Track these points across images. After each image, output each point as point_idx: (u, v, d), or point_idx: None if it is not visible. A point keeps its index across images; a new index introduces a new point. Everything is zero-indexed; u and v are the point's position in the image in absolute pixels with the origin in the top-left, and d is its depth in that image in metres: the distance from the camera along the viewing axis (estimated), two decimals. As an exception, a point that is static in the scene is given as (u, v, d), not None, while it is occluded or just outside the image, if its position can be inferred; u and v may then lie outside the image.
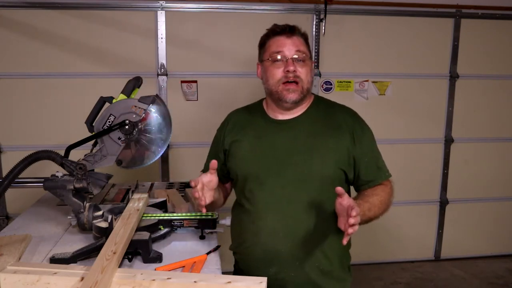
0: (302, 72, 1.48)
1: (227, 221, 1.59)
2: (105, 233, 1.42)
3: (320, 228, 1.47)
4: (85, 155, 1.60)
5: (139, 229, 1.46)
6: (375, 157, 1.55)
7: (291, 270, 1.48)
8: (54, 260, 1.33)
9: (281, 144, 1.51)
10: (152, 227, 1.50)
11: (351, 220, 1.19)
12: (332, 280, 1.52)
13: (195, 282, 1.10)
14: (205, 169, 1.68)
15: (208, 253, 1.42)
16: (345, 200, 1.26)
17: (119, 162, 1.60)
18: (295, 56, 1.48)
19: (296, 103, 1.51)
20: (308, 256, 1.47)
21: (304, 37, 1.54)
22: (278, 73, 1.48)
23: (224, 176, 1.66)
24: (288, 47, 1.48)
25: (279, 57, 1.48)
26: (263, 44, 1.56)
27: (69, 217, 1.56)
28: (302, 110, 1.56)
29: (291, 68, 1.46)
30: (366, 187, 1.53)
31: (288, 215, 1.46)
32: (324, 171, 1.47)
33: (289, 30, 1.50)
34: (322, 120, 1.54)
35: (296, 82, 1.48)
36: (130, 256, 1.32)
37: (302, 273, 1.48)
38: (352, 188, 1.61)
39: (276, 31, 1.52)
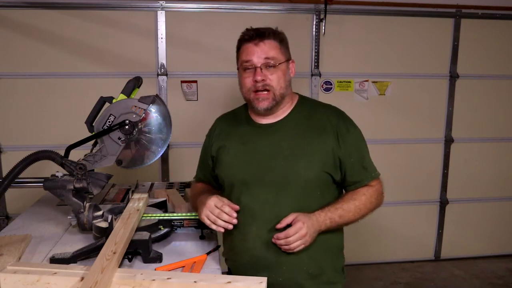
0: (273, 78, 1.45)
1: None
2: (105, 233, 1.42)
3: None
4: (85, 155, 1.60)
5: (139, 229, 1.46)
6: (361, 157, 1.51)
7: (279, 275, 1.46)
8: (54, 260, 1.33)
9: (265, 149, 1.49)
10: (152, 227, 1.50)
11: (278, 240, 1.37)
12: (322, 284, 1.50)
13: (195, 282, 1.10)
14: (197, 178, 1.73)
15: (208, 253, 1.42)
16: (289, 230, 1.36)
17: (119, 162, 1.60)
18: (265, 63, 1.45)
19: (270, 110, 1.49)
20: (295, 261, 1.44)
21: (279, 38, 1.49)
22: (248, 82, 1.47)
23: (216, 182, 1.65)
24: (257, 55, 1.45)
25: (249, 66, 1.47)
26: (237, 50, 1.54)
27: (69, 217, 1.56)
28: (286, 112, 1.54)
29: (258, 78, 1.44)
30: (352, 188, 1.50)
31: (273, 221, 1.42)
32: (308, 174, 1.44)
33: (258, 36, 1.46)
34: (306, 121, 1.52)
35: (267, 90, 1.46)
36: (130, 256, 1.32)
37: (290, 277, 1.46)
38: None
39: (245, 38, 1.49)
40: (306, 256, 1.45)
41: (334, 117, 1.51)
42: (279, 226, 1.38)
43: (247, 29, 1.50)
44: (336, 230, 1.49)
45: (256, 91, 1.46)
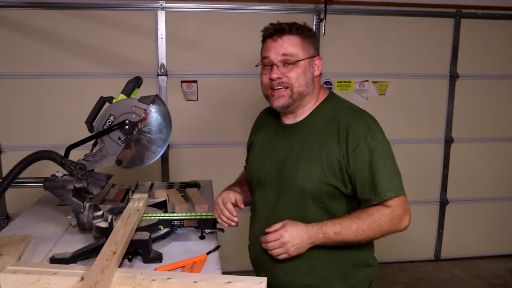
0: (291, 76, 1.40)
1: (227, 221, 1.59)
2: (105, 233, 1.42)
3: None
4: (85, 155, 1.60)
5: (139, 229, 1.46)
6: (372, 174, 1.33)
7: (275, 278, 1.45)
8: (54, 260, 1.33)
9: (280, 152, 1.48)
10: (152, 227, 1.50)
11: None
12: None
13: (195, 282, 1.10)
14: (245, 166, 1.75)
15: (208, 253, 1.42)
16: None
17: (119, 162, 1.60)
18: (283, 60, 1.40)
19: (287, 108, 1.44)
20: (291, 268, 1.42)
21: (302, 34, 1.42)
22: (265, 79, 1.44)
23: None
24: (275, 51, 1.40)
25: (266, 62, 1.43)
26: (262, 45, 1.50)
27: (69, 217, 1.56)
28: (306, 113, 1.47)
29: (274, 75, 1.40)
30: (363, 205, 1.37)
31: (271, 224, 1.39)
32: (306, 184, 1.38)
33: (277, 31, 1.41)
34: (321, 127, 1.42)
35: (286, 87, 1.41)
36: (130, 256, 1.32)
37: (285, 283, 1.45)
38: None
39: (265, 33, 1.45)
40: (305, 266, 1.41)
41: (355, 125, 1.37)
42: (268, 230, 1.37)
43: (270, 24, 1.44)
44: (351, 246, 1.36)
45: (273, 88, 1.43)
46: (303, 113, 1.47)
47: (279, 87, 1.42)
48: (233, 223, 1.47)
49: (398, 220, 1.33)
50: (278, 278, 1.45)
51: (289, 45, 1.40)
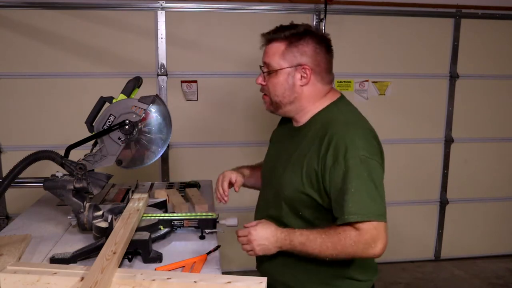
0: (268, 85, 1.42)
1: (227, 221, 1.58)
2: (105, 233, 1.42)
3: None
4: (85, 155, 1.60)
5: (139, 229, 1.46)
6: (342, 193, 1.26)
7: (263, 273, 1.51)
8: (54, 260, 1.33)
9: (283, 154, 1.51)
10: (152, 227, 1.50)
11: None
12: None
13: (195, 282, 1.10)
14: None
15: (208, 253, 1.42)
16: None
17: (119, 162, 1.60)
18: (263, 68, 1.44)
19: (273, 113, 1.49)
20: (272, 266, 1.48)
21: (289, 41, 1.37)
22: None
23: None
24: (263, 58, 1.44)
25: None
26: None
27: (69, 217, 1.56)
28: (307, 118, 1.45)
29: (257, 82, 1.46)
30: (336, 222, 1.29)
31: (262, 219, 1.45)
32: (285, 191, 1.41)
33: (265, 38, 1.42)
34: (313, 134, 1.39)
35: (266, 94, 1.46)
36: (130, 256, 1.32)
37: (269, 278, 1.45)
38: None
39: None
40: (284, 267, 1.46)
41: (339, 139, 1.30)
42: (245, 225, 1.40)
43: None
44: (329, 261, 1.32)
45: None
46: (304, 117, 1.46)
47: (264, 93, 1.48)
48: (223, 201, 1.63)
49: (365, 246, 1.24)
50: (265, 273, 1.51)
51: (269, 54, 1.41)
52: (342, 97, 1.48)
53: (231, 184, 1.66)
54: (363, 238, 1.23)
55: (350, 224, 1.25)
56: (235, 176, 1.65)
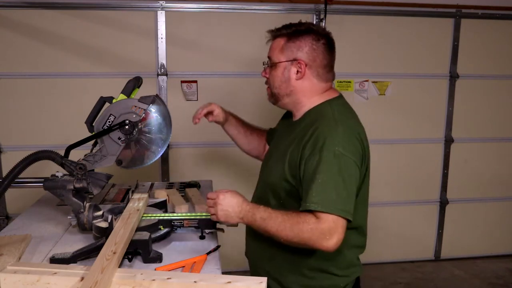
0: (269, 77, 1.53)
1: (227, 221, 1.59)
2: (105, 233, 1.42)
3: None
4: (85, 155, 1.60)
5: (139, 229, 1.46)
6: (310, 182, 1.31)
7: (256, 272, 1.57)
8: (54, 260, 1.33)
9: (278, 147, 1.57)
10: (152, 227, 1.50)
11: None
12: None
13: (195, 282, 1.10)
14: None
15: (208, 253, 1.42)
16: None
17: (119, 162, 1.60)
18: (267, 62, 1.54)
19: (274, 104, 1.56)
20: (258, 252, 1.57)
21: (288, 36, 1.45)
22: None
23: None
24: (268, 52, 1.53)
25: None
26: None
27: (69, 217, 1.56)
28: (302, 113, 1.51)
29: (262, 74, 1.55)
30: (300, 209, 1.32)
31: None
32: (271, 179, 1.50)
33: (272, 34, 1.52)
34: (300, 129, 1.45)
35: (269, 86, 1.55)
36: (130, 256, 1.32)
37: (254, 264, 1.60)
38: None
39: None
40: (269, 257, 1.52)
41: (320, 133, 1.36)
42: (217, 190, 1.45)
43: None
44: (307, 250, 1.37)
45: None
46: (300, 112, 1.52)
47: (267, 85, 1.56)
48: (193, 121, 1.81)
49: (320, 235, 1.26)
50: (252, 258, 1.63)
51: (272, 48, 1.51)
52: (339, 97, 1.52)
53: (211, 114, 1.81)
54: (320, 227, 1.26)
55: (311, 212, 1.28)
56: (218, 111, 1.80)
